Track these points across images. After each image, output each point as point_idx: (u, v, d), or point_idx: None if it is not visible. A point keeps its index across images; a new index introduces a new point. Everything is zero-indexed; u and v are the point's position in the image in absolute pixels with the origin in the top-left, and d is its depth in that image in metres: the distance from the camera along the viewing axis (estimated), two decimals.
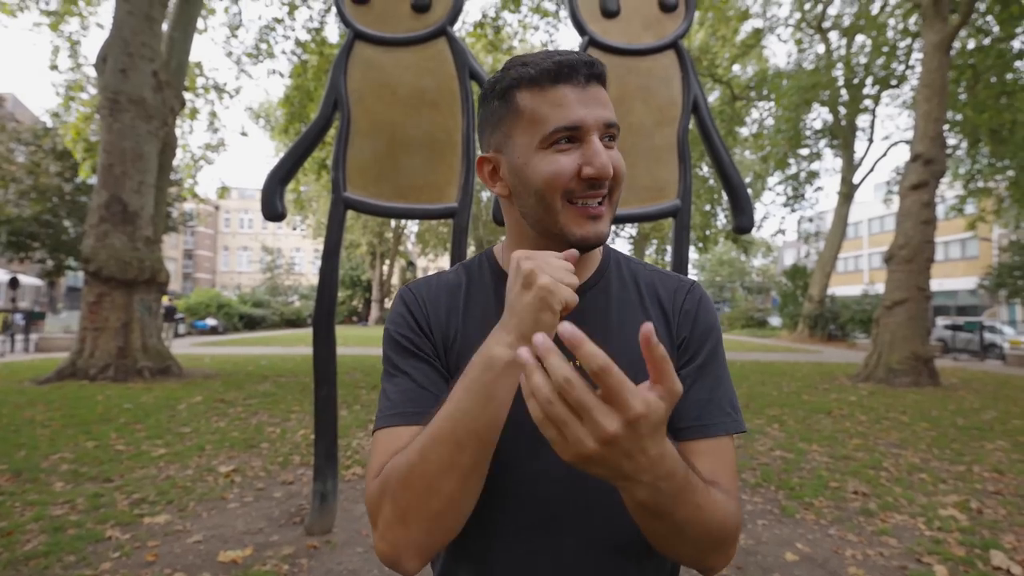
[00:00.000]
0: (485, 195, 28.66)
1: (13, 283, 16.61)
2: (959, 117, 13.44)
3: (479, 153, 0.73)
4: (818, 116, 20.67)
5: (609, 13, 2.87)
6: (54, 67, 12.67)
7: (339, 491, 3.15)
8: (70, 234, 20.54)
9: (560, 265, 0.58)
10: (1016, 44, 11.83)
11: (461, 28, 13.38)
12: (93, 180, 11.85)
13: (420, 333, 0.69)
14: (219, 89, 14.59)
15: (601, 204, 0.66)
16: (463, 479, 0.57)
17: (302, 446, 4.82)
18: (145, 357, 8.57)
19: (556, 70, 0.64)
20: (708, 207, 22.11)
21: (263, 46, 13.72)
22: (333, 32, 13.27)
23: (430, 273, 0.77)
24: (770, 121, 20.83)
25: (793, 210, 23.14)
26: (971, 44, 12.33)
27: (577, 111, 0.63)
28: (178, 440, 4.94)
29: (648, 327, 0.42)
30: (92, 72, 12.01)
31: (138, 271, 8.43)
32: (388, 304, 42.25)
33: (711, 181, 20.43)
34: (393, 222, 32.38)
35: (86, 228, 8.54)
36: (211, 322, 23.97)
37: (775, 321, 33.24)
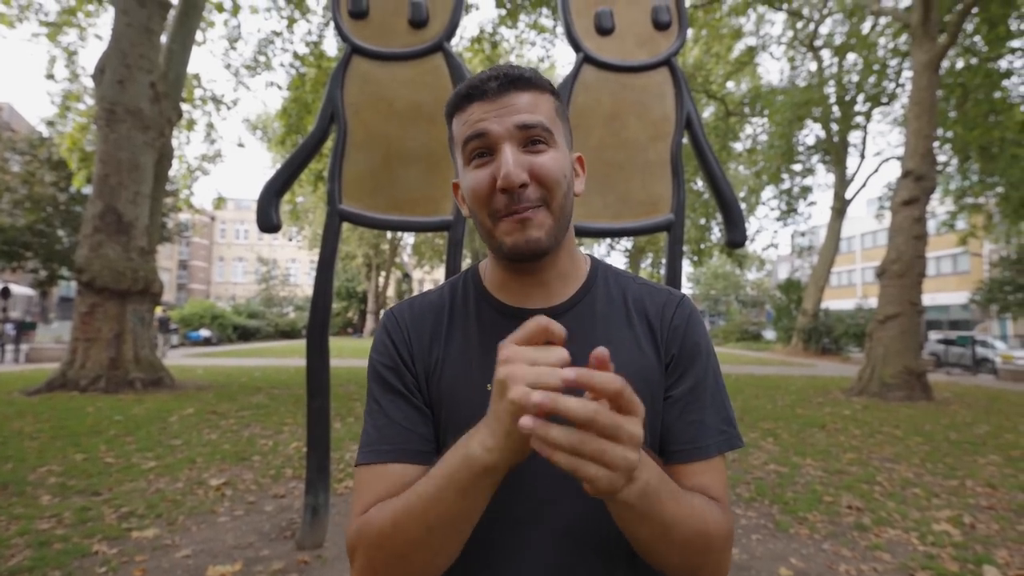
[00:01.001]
0: None
1: (4, 293, 16.47)
2: (949, 134, 13.65)
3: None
4: (811, 132, 20.98)
5: (604, 30, 2.92)
6: (50, 77, 12.71)
7: (331, 505, 3.12)
8: (64, 244, 20.45)
9: (541, 369, 0.47)
10: (1003, 63, 12.06)
11: (459, 43, 13.53)
12: (88, 190, 11.83)
13: (401, 365, 0.69)
14: (217, 101, 14.67)
15: (529, 211, 0.63)
16: (433, 554, 0.57)
17: (294, 459, 4.77)
18: (137, 368, 8.49)
19: (467, 92, 0.64)
20: (703, 221, 22.24)
21: (261, 59, 13.84)
22: (331, 46, 13.38)
23: (421, 291, 0.76)
24: (764, 137, 21.10)
25: (786, 224, 23.33)
26: (960, 63, 12.56)
27: (481, 122, 0.63)
28: (169, 453, 4.88)
29: (599, 354, 0.46)
30: (89, 82, 12.07)
31: (132, 281, 8.39)
32: (383, 316, 41.85)
33: (706, 195, 20.60)
34: (389, 234, 32.42)
35: (80, 238, 8.51)
36: (204, 333, 23.82)
37: (769, 335, 33.26)
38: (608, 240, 25.29)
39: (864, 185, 23.44)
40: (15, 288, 20.42)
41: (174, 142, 10.43)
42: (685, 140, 3.02)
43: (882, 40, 15.92)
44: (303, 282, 48.41)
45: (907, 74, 15.55)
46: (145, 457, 4.70)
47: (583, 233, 2.85)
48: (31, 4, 11.70)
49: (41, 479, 4.02)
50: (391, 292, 41.99)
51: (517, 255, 0.65)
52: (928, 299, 14.29)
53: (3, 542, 2.93)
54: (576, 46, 2.93)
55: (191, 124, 14.53)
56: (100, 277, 8.13)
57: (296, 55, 12.89)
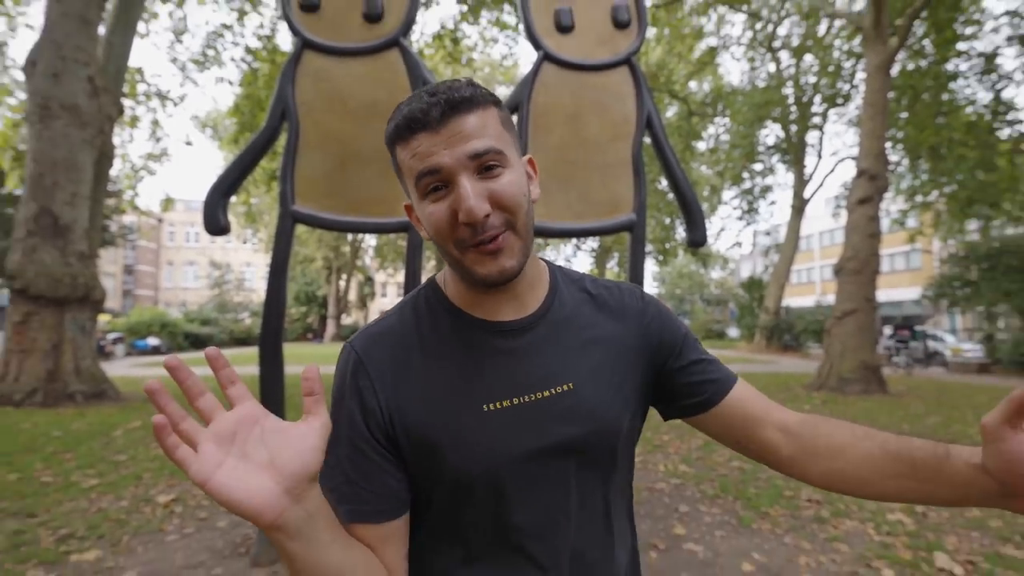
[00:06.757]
0: None
1: None
2: (901, 135, 14.30)
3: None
4: (771, 132, 21.63)
5: (563, 28, 2.95)
6: None
7: None
8: None
9: None
10: (950, 66, 12.71)
11: (419, 39, 13.43)
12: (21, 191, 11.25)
13: (362, 419, 0.66)
14: (162, 96, 14.15)
15: (497, 240, 0.63)
16: None
17: None
18: (78, 380, 8.11)
19: (407, 124, 0.62)
20: (668, 220, 22.69)
21: (210, 52, 13.41)
22: (285, 40, 13.11)
23: (379, 316, 0.75)
24: (726, 137, 21.67)
25: (748, 223, 24.01)
26: (911, 66, 13.17)
27: (432, 156, 0.61)
28: (112, 469, 4.68)
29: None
30: (20, 76, 11.47)
31: (70, 288, 8.01)
32: (345, 320, 41.34)
33: (671, 195, 21.01)
34: (350, 236, 31.90)
35: (12, 242, 8.07)
36: (153, 342, 22.94)
37: (733, 332, 34.21)
38: (574, 240, 25.53)
39: (822, 184, 24.37)
40: None
41: (116, 140, 10.01)
42: (647, 140, 3.08)
43: (837, 42, 16.58)
44: (259, 286, 47.03)
45: (861, 76, 16.24)
46: (86, 475, 4.49)
47: (546, 233, 2.87)
48: None
49: None
50: (353, 296, 41.31)
51: (490, 284, 0.65)
52: (883, 295, 14.93)
53: None
54: (536, 44, 2.95)
55: (134, 121, 13.97)
56: (35, 284, 7.73)
57: (248, 49, 12.54)
